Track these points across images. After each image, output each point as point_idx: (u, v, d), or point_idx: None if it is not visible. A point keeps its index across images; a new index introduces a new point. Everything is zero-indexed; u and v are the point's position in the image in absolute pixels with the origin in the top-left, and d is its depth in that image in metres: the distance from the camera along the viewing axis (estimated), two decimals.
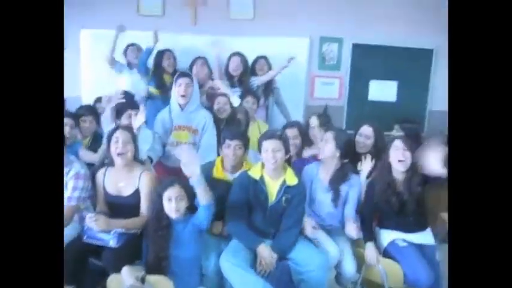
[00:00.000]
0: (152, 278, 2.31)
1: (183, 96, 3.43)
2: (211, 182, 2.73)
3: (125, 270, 2.29)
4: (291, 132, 3.23)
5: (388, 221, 2.84)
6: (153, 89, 4.28)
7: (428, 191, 2.77)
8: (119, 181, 2.73)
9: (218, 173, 2.90)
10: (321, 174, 2.93)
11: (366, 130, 3.21)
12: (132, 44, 4.51)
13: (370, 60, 5.25)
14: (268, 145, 2.67)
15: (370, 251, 2.72)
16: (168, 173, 3.31)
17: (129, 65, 4.47)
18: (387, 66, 5.29)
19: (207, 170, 2.80)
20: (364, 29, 5.15)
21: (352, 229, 2.74)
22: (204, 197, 2.42)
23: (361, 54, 5.26)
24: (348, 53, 5.28)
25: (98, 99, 3.95)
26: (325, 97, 5.30)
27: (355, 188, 2.91)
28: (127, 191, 2.71)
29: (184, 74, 3.53)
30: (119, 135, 2.70)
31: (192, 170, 2.41)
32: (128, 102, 3.45)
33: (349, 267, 2.73)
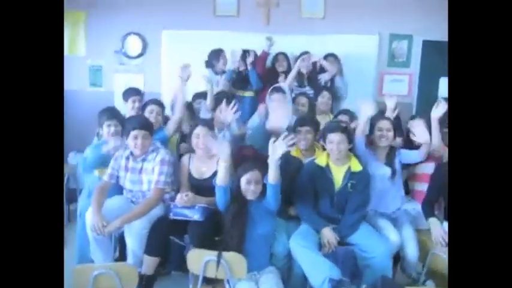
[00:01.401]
0: (227, 255, 2.48)
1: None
2: (289, 158, 3.01)
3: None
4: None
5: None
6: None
7: None
8: (202, 166, 3.10)
9: (296, 152, 3.18)
10: (378, 157, 3.12)
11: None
12: (219, 51, 4.56)
13: (440, 57, 5.17)
14: (333, 137, 2.86)
15: (435, 228, 2.79)
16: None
17: (216, 72, 4.52)
18: None
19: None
20: (434, 26, 5.09)
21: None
22: (273, 176, 2.59)
23: (431, 51, 5.21)
24: (418, 50, 5.25)
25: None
26: (395, 94, 5.29)
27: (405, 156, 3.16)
28: (207, 174, 3.06)
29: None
30: (199, 131, 3.06)
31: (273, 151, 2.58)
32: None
33: (412, 251, 2.84)
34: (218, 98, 3.65)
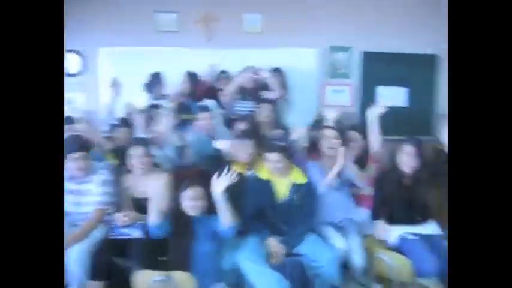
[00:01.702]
0: (175, 274, 2.44)
1: None
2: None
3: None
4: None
5: (395, 215, 2.95)
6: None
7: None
8: (140, 186, 3.01)
9: (236, 166, 3.10)
10: (326, 169, 3.12)
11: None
12: (157, 75, 4.55)
13: (379, 67, 5.38)
14: (269, 157, 2.93)
15: (379, 225, 2.89)
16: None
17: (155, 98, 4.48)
18: (396, 72, 5.41)
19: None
20: (372, 37, 5.30)
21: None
22: (224, 218, 2.62)
23: (370, 62, 5.40)
24: (357, 61, 5.42)
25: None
26: (337, 104, 5.43)
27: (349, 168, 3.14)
28: (147, 193, 2.92)
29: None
30: (136, 151, 2.99)
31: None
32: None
33: (358, 258, 2.89)
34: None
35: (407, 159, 2.88)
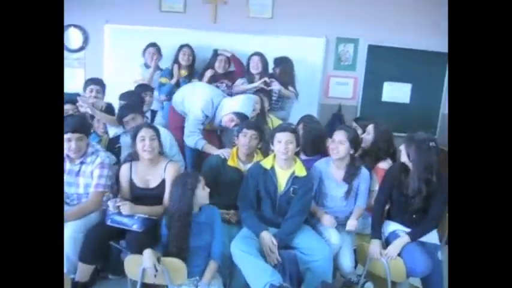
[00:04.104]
0: (166, 261, 2.43)
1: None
2: (227, 169, 3.04)
3: (147, 252, 2.41)
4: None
5: (395, 216, 2.94)
6: (164, 79, 4.43)
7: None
8: (147, 174, 2.92)
9: (233, 161, 3.13)
10: (332, 169, 3.08)
11: (370, 127, 3.37)
12: (152, 45, 4.58)
13: (385, 62, 5.33)
14: (282, 137, 2.85)
15: (374, 246, 2.79)
16: None
17: (146, 65, 4.58)
18: (402, 68, 5.36)
19: (216, 162, 3.12)
20: (380, 31, 5.24)
21: (352, 224, 2.90)
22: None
23: (376, 56, 5.34)
24: (364, 54, 5.37)
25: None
26: (340, 96, 5.41)
27: (365, 180, 3.07)
28: (154, 183, 2.90)
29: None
30: (145, 133, 2.86)
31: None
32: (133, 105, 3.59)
33: (346, 260, 2.86)
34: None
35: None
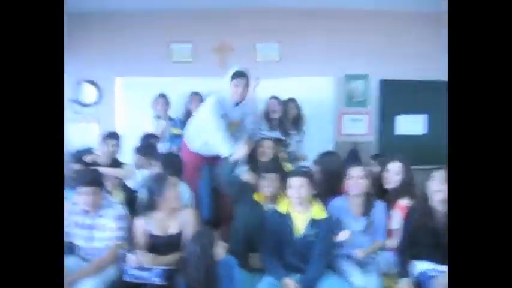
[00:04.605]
0: None
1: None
2: (252, 202, 3.01)
3: None
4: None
5: (423, 253, 2.79)
6: (176, 130, 4.47)
7: None
8: (166, 222, 2.84)
9: (259, 196, 3.06)
10: (349, 205, 3.01)
11: (394, 166, 3.25)
12: (161, 96, 4.64)
13: (396, 95, 5.30)
14: (293, 182, 2.78)
15: (403, 286, 2.67)
16: None
17: (158, 117, 4.61)
18: (414, 100, 5.32)
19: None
20: (388, 65, 5.25)
21: (344, 236, 2.80)
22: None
23: (387, 90, 5.33)
24: (374, 88, 5.36)
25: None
26: (354, 133, 5.37)
27: (381, 213, 3.02)
28: (173, 230, 2.82)
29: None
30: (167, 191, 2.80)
31: None
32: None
33: None
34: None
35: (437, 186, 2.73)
